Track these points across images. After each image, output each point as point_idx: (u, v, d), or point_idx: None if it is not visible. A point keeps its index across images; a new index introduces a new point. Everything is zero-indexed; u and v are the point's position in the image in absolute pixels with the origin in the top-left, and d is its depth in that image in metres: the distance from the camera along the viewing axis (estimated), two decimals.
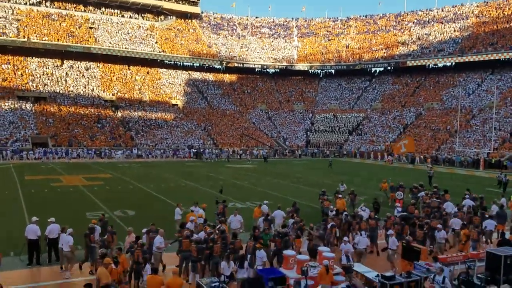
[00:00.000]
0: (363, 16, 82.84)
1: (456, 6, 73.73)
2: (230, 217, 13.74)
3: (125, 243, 11.29)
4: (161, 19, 75.41)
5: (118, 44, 64.74)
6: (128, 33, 68.31)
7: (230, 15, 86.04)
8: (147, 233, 11.70)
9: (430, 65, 67.22)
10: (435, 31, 70.10)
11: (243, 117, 65.15)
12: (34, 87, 55.27)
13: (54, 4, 67.02)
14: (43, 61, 60.14)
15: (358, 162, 48.94)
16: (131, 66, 66.88)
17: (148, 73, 67.55)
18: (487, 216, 14.79)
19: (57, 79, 58.18)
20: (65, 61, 61.75)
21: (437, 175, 34.14)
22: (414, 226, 13.22)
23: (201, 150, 50.67)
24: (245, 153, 51.58)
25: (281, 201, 19.36)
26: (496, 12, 66.75)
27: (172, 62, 71.21)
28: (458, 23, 69.16)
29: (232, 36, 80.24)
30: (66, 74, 59.88)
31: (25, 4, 64.63)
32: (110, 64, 64.91)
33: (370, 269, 10.26)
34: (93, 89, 59.18)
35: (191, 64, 71.45)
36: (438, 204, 16.91)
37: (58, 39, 60.12)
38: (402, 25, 76.01)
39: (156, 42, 69.05)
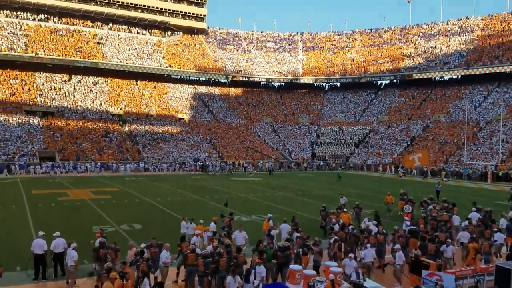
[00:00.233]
0: (368, 29, 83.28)
1: (461, 19, 73.94)
2: (235, 233, 13.63)
3: (127, 257, 11.24)
4: (168, 34, 76.29)
5: (126, 60, 65.51)
6: (136, 49, 69.12)
7: (235, 30, 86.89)
8: (147, 248, 11.55)
9: (436, 78, 67.18)
10: (440, 44, 70.22)
11: (249, 130, 65.29)
12: (42, 101, 55.87)
13: (62, 20, 68.07)
14: (51, 76, 60.89)
15: (366, 175, 48.67)
16: (138, 81, 67.51)
17: (155, 87, 68.13)
18: (495, 229, 14.63)
19: (65, 94, 58.80)
20: (73, 76, 62.47)
21: (445, 188, 33.89)
22: (425, 240, 13.08)
23: (206, 163, 50.72)
24: (249, 166, 51.52)
25: (286, 214, 19.24)
26: (501, 25, 66.84)
27: (179, 76, 71.81)
28: (463, 36, 69.28)
29: (237, 50, 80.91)
30: (74, 89, 60.53)
31: (33, 20, 65.72)
32: (117, 79, 65.59)
33: (378, 284, 10.15)
34: (101, 103, 59.71)
35: (197, 78, 72.04)
36: (449, 218, 16.75)
37: (66, 54, 60.93)
38: (407, 38, 76.26)
39: (163, 57, 69.76)
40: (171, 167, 49.17)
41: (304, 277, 10.18)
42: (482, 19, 70.97)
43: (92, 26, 69.97)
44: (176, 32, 76.83)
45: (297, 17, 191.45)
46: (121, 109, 60.26)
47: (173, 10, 74.39)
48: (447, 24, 74.77)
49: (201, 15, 77.01)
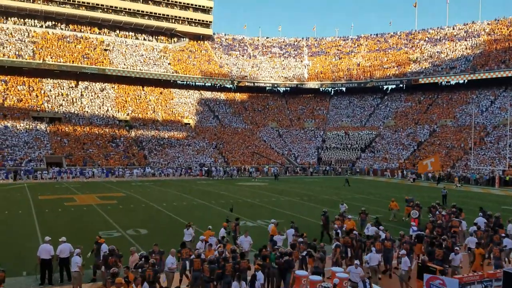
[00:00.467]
0: (374, 35, 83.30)
1: (467, 24, 73.74)
2: (240, 238, 13.60)
3: (129, 263, 11.22)
4: (174, 41, 76.77)
5: (132, 66, 65.98)
6: (142, 55, 69.61)
7: (241, 36, 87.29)
8: (149, 255, 11.56)
9: (443, 83, 66.92)
10: (446, 49, 70.03)
11: (254, 135, 65.34)
12: (49, 107, 56.32)
13: (69, 27, 68.75)
14: (58, 82, 61.42)
15: (372, 180, 48.44)
16: (145, 87, 67.92)
17: (161, 93, 68.49)
18: (503, 234, 14.50)
19: (72, 100, 59.24)
20: (80, 82, 62.98)
21: (453, 193, 33.68)
22: (432, 245, 12.99)
23: (211, 168, 50.82)
24: (253, 171, 51.51)
25: (292, 219, 19.18)
26: (508, 29, 66.57)
27: (185, 82, 72.16)
28: (469, 41, 69.06)
29: (243, 56, 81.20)
30: (81, 95, 61.00)
31: (41, 27, 66.42)
32: (124, 85, 66.04)
33: None
34: (107, 109, 60.07)
35: (203, 84, 72.34)
36: (460, 224, 16.62)
37: (73, 61, 61.47)
38: (413, 43, 76.14)
39: (169, 63, 70.17)
40: (177, 172, 49.27)
41: (310, 283, 10.13)
42: (488, 24, 70.74)
43: (99, 33, 70.58)
44: (182, 39, 77.30)
45: (302, 23, 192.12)
46: (127, 114, 60.59)
47: (179, 17, 74.90)
48: (453, 28, 74.59)
49: (207, 21, 77.47)
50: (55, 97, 58.56)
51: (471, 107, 57.72)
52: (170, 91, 69.84)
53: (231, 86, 74.51)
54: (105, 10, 69.07)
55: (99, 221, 20.85)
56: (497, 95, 60.25)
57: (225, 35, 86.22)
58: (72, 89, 61.39)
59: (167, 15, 73.61)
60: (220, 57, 78.18)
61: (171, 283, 11.20)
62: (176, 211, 23.97)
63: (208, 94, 73.16)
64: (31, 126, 51.03)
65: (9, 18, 64.58)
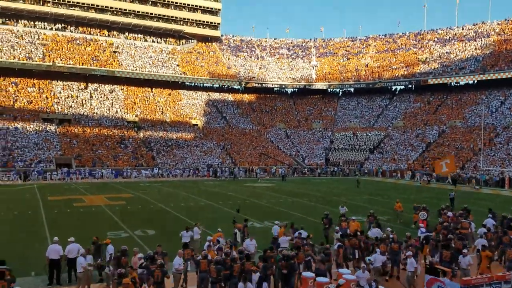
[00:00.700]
0: (382, 35, 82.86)
1: (476, 24, 73.09)
2: (246, 241, 13.58)
3: (131, 263, 11.25)
4: (182, 42, 77.11)
5: (141, 68, 66.39)
6: (151, 57, 70.00)
7: (249, 38, 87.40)
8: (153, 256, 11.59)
9: (452, 83, 66.37)
10: (456, 49, 69.48)
11: (262, 136, 65.35)
12: (59, 109, 56.84)
13: (79, 29, 69.37)
14: (68, 84, 61.98)
15: (381, 181, 48.17)
16: (153, 88, 68.29)
17: (169, 94, 68.82)
18: None
19: (82, 102, 59.74)
20: (89, 84, 63.47)
21: (462, 195, 33.40)
22: (439, 247, 12.90)
23: (216, 169, 50.96)
24: (259, 172, 51.54)
25: (300, 220, 19.17)
26: None
27: (193, 83, 72.39)
28: (479, 41, 68.45)
29: (251, 57, 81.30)
30: (91, 96, 61.48)
31: (51, 29, 67.07)
32: (133, 87, 66.48)
33: None
34: (116, 111, 60.49)
35: (211, 85, 72.58)
36: (469, 225, 16.49)
37: (82, 63, 62.00)
38: (422, 43, 75.65)
39: (178, 65, 70.48)
40: (185, 173, 49.44)
41: (317, 285, 10.11)
42: (498, 24, 70.04)
43: (109, 35, 71.11)
44: (190, 40, 77.61)
45: (310, 24, 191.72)
46: (136, 116, 60.95)
47: (188, 19, 75.23)
48: (463, 29, 73.98)
49: (215, 23, 77.70)
50: (64, 99, 59.10)
51: (480, 107, 57.18)
52: (178, 93, 70.14)
53: (239, 87, 74.61)
54: (115, 12, 69.58)
55: (107, 221, 21.00)
56: (507, 95, 59.61)
57: (233, 36, 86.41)
58: (82, 91, 61.92)
59: (176, 17, 73.97)
60: (228, 59, 78.35)
61: (178, 283, 11.25)
62: (183, 211, 24.05)
63: (216, 95, 73.36)
64: (41, 128, 51.53)
65: (19, 21, 65.32)
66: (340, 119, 70.99)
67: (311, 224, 19.66)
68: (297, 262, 11.52)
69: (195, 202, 28.37)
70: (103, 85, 64.31)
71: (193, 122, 64.35)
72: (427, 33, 77.81)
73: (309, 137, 67.21)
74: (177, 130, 59.87)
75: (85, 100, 60.28)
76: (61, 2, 65.55)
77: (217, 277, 10.48)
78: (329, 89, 76.35)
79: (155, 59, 69.85)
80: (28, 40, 62.93)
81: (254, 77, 75.05)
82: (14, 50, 59.61)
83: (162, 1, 72.64)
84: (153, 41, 74.34)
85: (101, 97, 62.22)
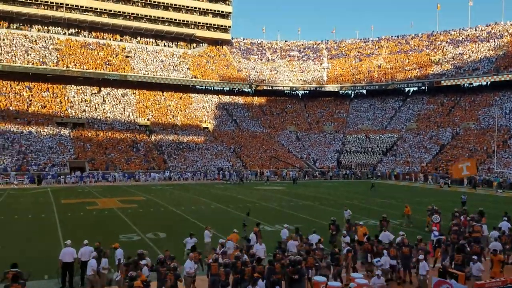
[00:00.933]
0: (395, 36, 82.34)
1: (490, 25, 72.24)
2: (255, 245, 13.55)
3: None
4: (193, 46, 77.55)
5: (153, 72, 66.94)
6: (162, 61, 70.56)
7: (259, 40, 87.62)
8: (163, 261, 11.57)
9: (465, 85, 65.61)
10: (469, 50, 68.72)
11: (272, 139, 65.29)
12: (73, 113, 57.54)
13: (92, 34, 70.21)
14: (81, 88, 62.73)
15: (396, 184, 47.75)
16: (165, 92, 68.78)
17: (180, 98, 69.23)
18: None
19: (95, 106, 60.40)
20: (102, 89, 64.18)
21: (476, 197, 32.95)
22: (453, 250, 12.76)
23: (225, 172, 50.96)
24: (267, 175, 51.44)
25: (312, 224, 19.08)
26: None
27: (203, 87, 72.77)
28: (492, 42, 67.62)
29: (261, 60, 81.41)
30: (104, 100, 62.13)
31: (64, 34, 68.03)
32: (145, 91, 67.07)
33: None
34: (129, 114, 61.04)
35: (222, 88, 72.88)
36: (481, 228, 16.27)
37: (95, 68, 62.75)
38: (435, 44, 74.97)
39: (189, 69, 70.89)
40: (196, 176, 49.62)
41: None
42: (511, 24, 69.11)
43: (121, 40, 71.86)
44: (201, 44, 78.03)
45: (321, 25, 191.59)
46: (148, 119, 61.43)
47: (199, 23, 75.66)
48: (476, 30, 73.17)
49: (226, 26, 78.04)
50: (78, 103, 59.81)
51: (494, 109, 56.38)
52: (189, 96, 70.52)
53: (249, 90, 74.70)
54: (127, 17, 70.32)
55: (120, 224, 21.15)
56: None
57: (243, 39, 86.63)
58: (95, 95, 62.62)
59: (187, 21, 74.46)
60: (239, 62, 78.56)
61: (189, 287, 11.26)
62: (194, 215, 24.11)
63: (226, 98, 73.56)
64: (54, 132, 52.18)
65: (33, 26, 66.37)
66: (352, 121, 70.58)
67: (323, 227, 19.54)
68: (306, 267, 11.46)
69: (206, 205, 28.43)
70: (115, 89, 64.99)
71: (204, 125, 64.62)
72: (440, 34, 77.12)
73: (321, 139, 66.95)
74: (188, 134, 60.17)
75: (98, 104, 60.96)
76: (74, 7, 66.49)
77: (226, 280, 10.48)
78: (340, 91, 76.04)
79: (166, 63, 70.39)
80: (42, 45, 63.89)
81: (265, 80, 75.11)
82: (28, 55, 60.57)
83: (173, 5, 73.19)
84: (164, 45, 74.93)
85: (113, 101, 62.87)
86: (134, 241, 17.32)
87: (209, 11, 76.04)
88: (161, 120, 62.40)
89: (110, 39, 70.98)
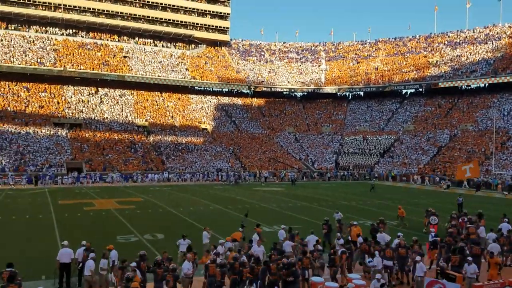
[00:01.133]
0: (392, 38, 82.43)
1: (487, 27, 72.45)
2: (253, 247, 13.54)
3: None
4: (192, 47, 77.52)
5: (151, 72, 66.86)
6: (161, 62, 70.48)
7: (258, 42, 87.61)
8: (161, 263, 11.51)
9: (463, 86, 65.75)
10: (466, 52, 68.88)
11: (271, 140, 65.29)
12: (70, 114, 57.40)
13: (90, 35, 70.09)
14: (78, 89, 62.60)
15: (393, 186, 47.80)
16: (163, 93, 68.69)
17: (179, 99, 69.16)
18: None
19: (92, 106, 60.29)
20: (100, 89, 64.05)
21: (474, 199, 32.98)
22: (449, 252, 12.77)
23: (223, 173, 50.93)
24: (262, 176, 51.42)
25: (310, 225, 19.06)
26: None
27: (202, 88, 72.68)
28: (490, 43, 67.80)
29: (260, 61, 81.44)
30: (101, 101, 62.01)
31: (62, 34, 67.88)
32: (143, 91, 66.94)
33: None
34: (127, 115, 60.93)
35: (220, 89, 72.77)
36: (475, 230, 16.28)
37: (93, 68, 62.64)
38: (432, 46, 75.14)
39: (187, 69, 70.84)
40: (194, 177, 49.55)
41: None
42: (509, 26, 69.32)
43: (119, 40, 71.74)
44: (199, 45, 78.01)
45: (319, 27, 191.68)
46: (146, 120, 61.33)
47: (197, 23, 75.65)
48: (473, 31, 73.36)
49: (224, 27, 78.07)
50: (75, 104, 59.68)
51: (492, 111, 56.53)
52: (188, 97, 70.46)
53: (248, 91, 74.68)
54: (125, 17, 70.26)
55: (117, 225, 21.09)
56: None
57: (242, 40, 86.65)
58: (92, 96, 62.50)
59: (185, 22, 74.45)
60: (237, 63, 78.57)
61: None
62: (192, 216, 24.06)
63: (225, 100, 73.54)
64: (52, 132, 52.05)
65: (31, 27, 66.24)
66: (350, 123, 70.66)
67: (321, 228, 19.52)
68: (302, 267, 11.50)
69: (205, 206, 28.38)
70: (113, 90, 64.86)
71: (203, 126, 64.56)
72: (438, 36, 77.29)
73: (319, 141, 66.99)
74: (187, 135, 60.10)
75: (96, 105, 60.83)
76: (72, 7, 66.42)
77: (221, 280, 10.46)
78: (338, 93, 76.12)
79: (164, 63, 70.32)
80: (40, 46, 63.76)
81: (263, 81, 75.14)
82: (26, 56, 60.44)
83: (171, 6, 73.19)
84: (162, 45, 74.86)
85: (111, 102, 62.75)
86: (132, 242, 17.28)
87: (207, 12, 76.07)
88: (160, 121, 62.32)
89: (107, 40, 70.88)
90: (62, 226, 20.57)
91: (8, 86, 58.22)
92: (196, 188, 41.51)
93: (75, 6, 66.54)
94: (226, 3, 77.67)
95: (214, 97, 72.98)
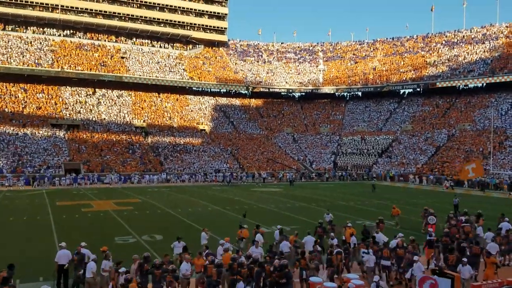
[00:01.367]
0: (390, 38, 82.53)
1: (485, 26, 72.61)
2: (251, 248, 13.49)
3: (131, 270, 10.95)
4: (189, 47, 77.45)
5: (149, 73, 66.76)
6: (158, 62, 70.38)
7: (256, 42, 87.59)
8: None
9: (461, 86, 65.88)
10: (464, 52, 69.03)
11: (269, 141, 65.28)
12: (68, 115, 57.28)
13: (87, 35, 69.97)
14: (76, 90, 62.46)
15: (392, 186, 47.83)
16: (161, 94, 68.61)
17: (177, 99, 69.08)
18: None
19: (90, 107, 60.17)
20: (97, 90, 63.92)
21: (472, 199, 33.00)
22: (446, 251, 12.80)
23: (221, 174, 50.92)
24: (259, 176, 51.43)
25: (308, 226, 19.03)
26: None
27: (200, 88, 72.62)
28: (487, 43, 67.96)
29: (258, 62, 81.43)
30: (99, 102, 61.90)
31: (59, 35, 67.74)
32: (141, 92, 66.83)
33: None
34: (124, 116, 60.83)
35: (218, 90, 72.67)
36: (471, 229, 16.32)
37: (90, 69, 62.51)
38: (430, 46, 75.27)
39: (185, 70, 70.77)
40: (193, 178, 49.49)
41: None
42: (507, 26, 69.49)
43: (116, 41, 71.63)
44: (197, 45, 77.94)
45: (317, 27, 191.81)
46: (144, 121, 61.24)
47: (195, 24, 75.58)
48: (471, 31, 73.51)
49: (222, 28, 78.02)
50: (73, 105, 59.56)
51: (490, 110, 56.62)
52: (186, 98, 70.38)
53: (246, 92, 74.67)
54: (122, 18, 70.14)
55: (115, 227, 21.04)
56: None
57: (239, 41, 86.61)
58: (90, 97, 62.37)
59: (183, 22, 74.37)
60: (235, 63, 78.54)
61: None
62: (191, 217, 24.03)
63: (223, 100, 73.49)
64: (49, 133, 51.93)
65: (28, 27, 66.08)
66: (348, 123, 70.71)
67: (314, 231, 19.50)
68: (300, 267, 11.52)
69: (203, 207, 28.34)
70: (111, 91, 64.75)
71: (201, 127, 64.50)
72: (435, 35, 77.44)
73: (317, 141, 67.01)
74: (185, 135, 60.04)
75: (93, 106, 60.72)
76: (69, 8, 66.28)
77: (217, 279, 10.46)
78: (336, 93, 76.18)
79: (162, 64, 70.23)
80: (37, 47, 63.62)
81: (261, 82, 75.13)
82: (23, 57, 60.28)
83: (169, 7, 73.13)
84: (160, 46, 74.77)
85: (109, 103, 62.64)
86: (130, 244, 17.24)
87: (205, 12, 76.03)
88: (158, 121, 62.24)
89: (105, 40, 70.76)
90: (60, 228, 20.52)
91: (6, 87, 58.06)
92: (195, 189, 41.45)
93: (72, 7, 66.41)
94: (223, 4, 77.65)
95: (212, 97, 72.93)
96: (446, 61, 69.09)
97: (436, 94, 68.37)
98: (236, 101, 74.53)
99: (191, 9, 74.73)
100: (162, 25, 72.94)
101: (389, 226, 19.68)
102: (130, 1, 70.43)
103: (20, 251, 15.88)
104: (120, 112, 61.45)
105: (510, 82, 58.85)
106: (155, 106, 65.85)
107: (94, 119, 58.26)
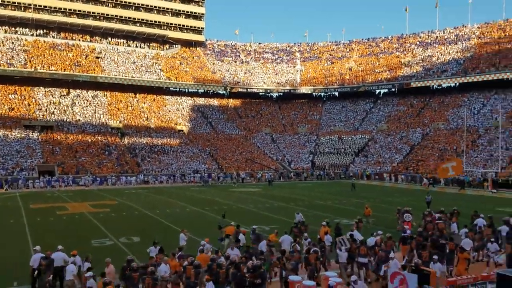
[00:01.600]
0: (365, 39, 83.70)
1: (457, 27, 74.42)
2: (227, 250, 13.43)
3: (106, 274, 10.65)
4: (166, 47, 76.73)
5: (125, 73, 65.81)
6: (134, 62, 69.47)
7: (233, 42, 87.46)
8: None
9: (434, 86, 67.33)
10: (437, 52, 70.59)
11: (248, 141, 65.31)
12: (41, 116, 55.96)
13: (61, 35, 68.51)
14: (50, 90, 61.08)
15: (369, 185, 48.50)
16: (137, 94, 67.72)
17: (154, 100, 68.32)
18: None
19: (64, 108, 58.93)
20: (71, 90, 62.65)
21: (446, 196, 33.74)
22: (419, 248, 13.08)
23: (200, 175, 50.65)
24: (237, 176, 51.46)
25: (287, 225, 19.11)
26: (498, 33, 67.26)
27: (177, 89, 72.04)
28: (460, 44, 69.68)
29: (235, 62, 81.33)
30: (73, 103, 60.68)
31: (32, 35, 66.13)
32: (116, 92, 65.81)
33: None
34: (100, 117, 59.81)
35: (196, 90, 72.24)
36: (447, 226, 16.72)
37: (64, 69, 61.22)
38: (404, 47, 76.68)
39: (162, 70, 70.09)
40: (171, 179, 49.06)
41: None
42: (478, 27, 71.42)
43: (91, 41, 70.35)
44: (174, 45, 77.29)
45: (294, 28, 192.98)
46: (120, 122, 60.34)
47: (171, 24, 74.91)
48: (444, 32, 75.24)
49: (199, 28, 77.60)
50: (47, 106, 58.21)
51: (463, 110, 58.10)
52: (163, 98, 69.69)
53: (224, 92, 74.49)
54: (97, 17, 68.92)
55: (91, 229, 20.66)
56: (489, 97, 60.73)
57: (217, 41, 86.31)
58: (64, 97, 61.09)
59: (159, 22, 73.58)
60: (213, 63, 78.25)
61: None
62: (169, 218, 23.82)
63: (201, 101, 73.11)
64: (22, 135, 50.64)
65: (0, 27, 64.25)
66: (325, 123, 71.38)
67: (289, 231, 19.62)
68: (279, 267, 11.58)
69: (181, 208, 28.13)
70: (85, 91, 63.53)
71: (178, 127, 63.99)
72: (409, 36, 78.92)
73: (295, 141, 67.41)
74: (162, 136, 59.46)
75: (68, 106, 59.49)
76: (42, 7, 64.69)
77: (195, 281, 10.40)
78: (314, 93, 76.80)
79: (138, 64, 69.37)
80: (9, 46, 61.93)
81: (239, 82, 75.09)
82: None
83: (145, 6, 72.24)
84: (136, 46, 73.83)
85: (84, 103, 61.47)
86: (107, 246, 16.98)
87: (181, 12, 75.46)
88: (134, 122, 61.43)
89: (79, 40, 69.41)
90: (34, 231, 20.04)
91: None
92: (173, 190, 41.10)
93: (45, 6, 64.84)
94: (200, 3, 77.25)
95: (189, 98, 72.46)
96: (420, 61, 70.53)
97: (410, 94, 69.69)
98: (214, 102, 74.28)
99: (167, 8, 74.05)
100: (138, 24, 72.03)
101: (365, 225, 19.93)
102: (105, 0, 69.28)
103: None
104: (95, 113, 60.39)
105: (482, 82, 60.49)
106: (131, 106, 64.98)
107: (68, 120, 57.08)
